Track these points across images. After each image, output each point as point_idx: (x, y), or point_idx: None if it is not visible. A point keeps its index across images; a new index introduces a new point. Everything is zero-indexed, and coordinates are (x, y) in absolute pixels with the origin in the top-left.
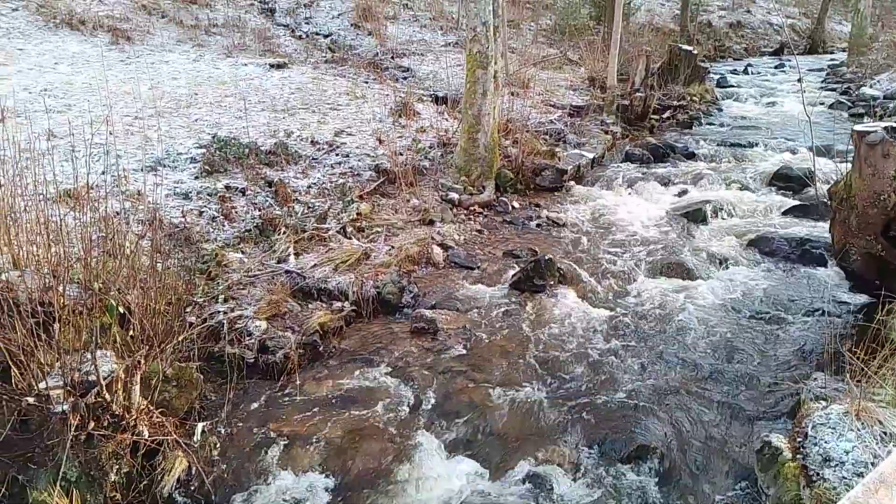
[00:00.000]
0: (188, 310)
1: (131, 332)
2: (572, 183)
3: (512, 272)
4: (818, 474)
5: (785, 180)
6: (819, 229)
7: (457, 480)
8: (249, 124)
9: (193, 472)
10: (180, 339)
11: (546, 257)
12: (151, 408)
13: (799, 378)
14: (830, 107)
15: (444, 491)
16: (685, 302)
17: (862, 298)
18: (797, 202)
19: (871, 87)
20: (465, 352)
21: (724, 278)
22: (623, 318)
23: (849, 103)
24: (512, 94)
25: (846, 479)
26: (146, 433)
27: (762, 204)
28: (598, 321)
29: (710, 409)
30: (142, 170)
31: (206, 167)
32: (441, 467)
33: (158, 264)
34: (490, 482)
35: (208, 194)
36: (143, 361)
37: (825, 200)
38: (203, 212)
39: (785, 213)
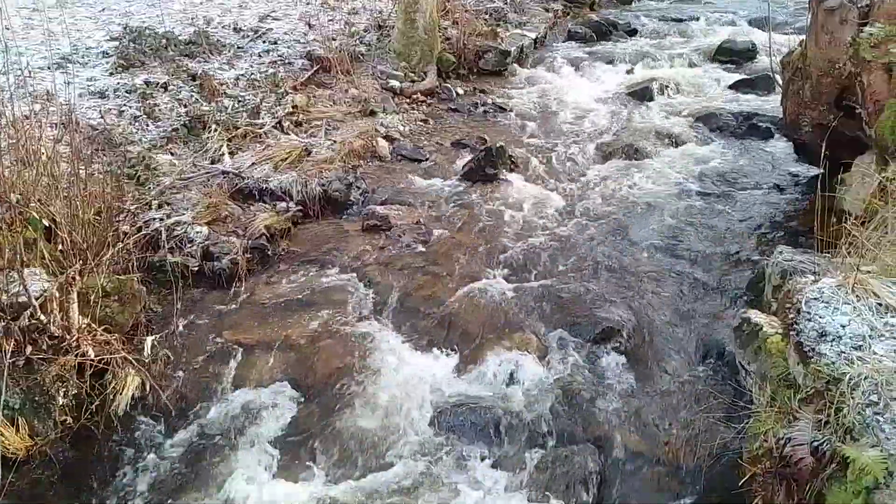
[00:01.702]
0: (120, 219)
1: (60, 247)
2: (516, 66)
3: (462, 162)
4: (814, 350)
5: (728, 54)
6: (765, 103)
7: (425, 377)
8: (164, 12)
9: (147, 388)
10: (115, 250)
11: (497, 145)
12: (94, 326)
13: (755, 256)
14: None
15: (412, 389)
16: (637, 182)
17: (811, 171)
18: (742, 76)
19: None
20: (421, 247)
21: (673, 157)
22: (577, 202)
23: None
24: None
25: (844, 353)
26: (91, 353)
27: (707, 79)
28: (553, 207)
29: (672, 288)
30: (48, 67)
31: (121, 61)
32: (407, 366)
33: (81, 170)
34: (458, 375)
35: (126, 91)
36: (77, 277)
37: (776, 72)
38: (123, 111)
39: (730, 88)
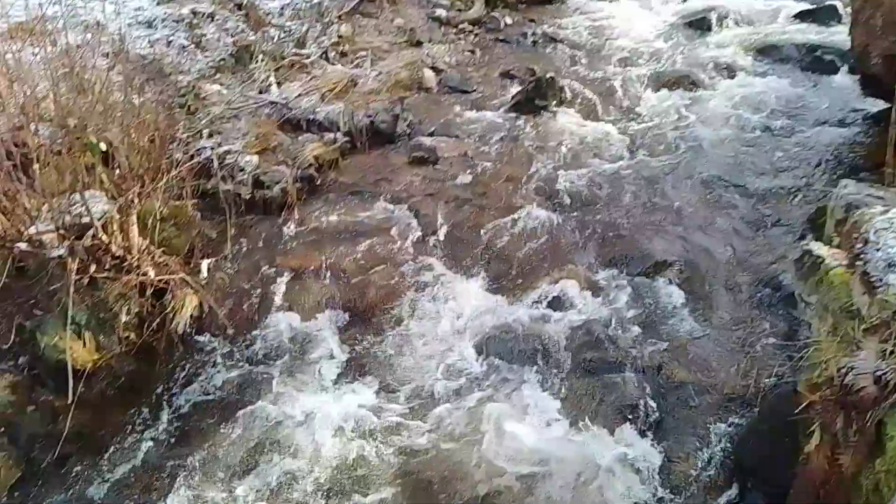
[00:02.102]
0: (172, 147)
1: (118, 171)
2: None
3: (510, 94)
4: (881, 280)
5: None
6: (829, 34)
7: (471, 304)
8: None
9: (205, 309)
10: (170, 176)
11: (547, 76)
12: (153, 248)
13: (815, 190)
14: None
15: (458, 316)
16: (693, 115)
17: (877, 106)
18: (806, 6)
19: None
20: (468, 179)
21: (731, 89)
22: (629, 134)
23: None
24: None
25: None
26: (152, 273)
27: (769, 9)
28: (605, 138)
29: (727, 223)
30: None
31: None
32: (453, 293)
33: (134, 99)
34: (505, 304)
35: (174, 21)
36: (135, 200)
37: (837, 3)
38: (171, 41)
39: (793, 18)
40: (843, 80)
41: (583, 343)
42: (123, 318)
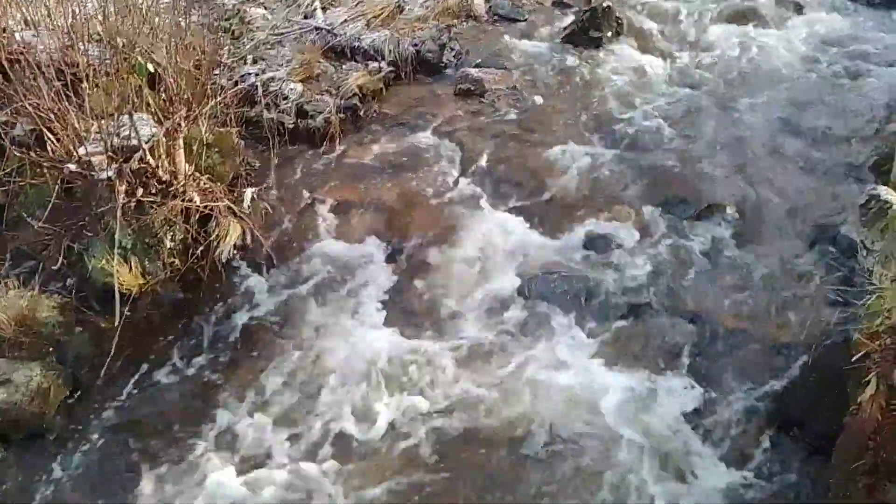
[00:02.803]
0: (217, 72)
1: (164, 95)
2: None
3: (564, 24)
4: None
5: None
6: None
7: (516, 243)
8: None
9: (248, 237)
10: (215, 102)
11: (604, 5)
12: (198, 174)
13: (880, 136)
14: None
15: (502, 254)
16: (756, 51)
17: None
18: None
19: None
20: (515, 114)
21: (799, 25)
22: (689, 70)
23: None
24: None
25: None
26: (197, 199)
27: None
28: (663, 76)
29: (786, 166)
30: None
31: None
32: (498, 231)
33: (181, 20)
34: (550, 243)
35: None
36: (182, 123)
37: None
38: None
39: None
40: None
41: (629, 286)
42: (168, 243)
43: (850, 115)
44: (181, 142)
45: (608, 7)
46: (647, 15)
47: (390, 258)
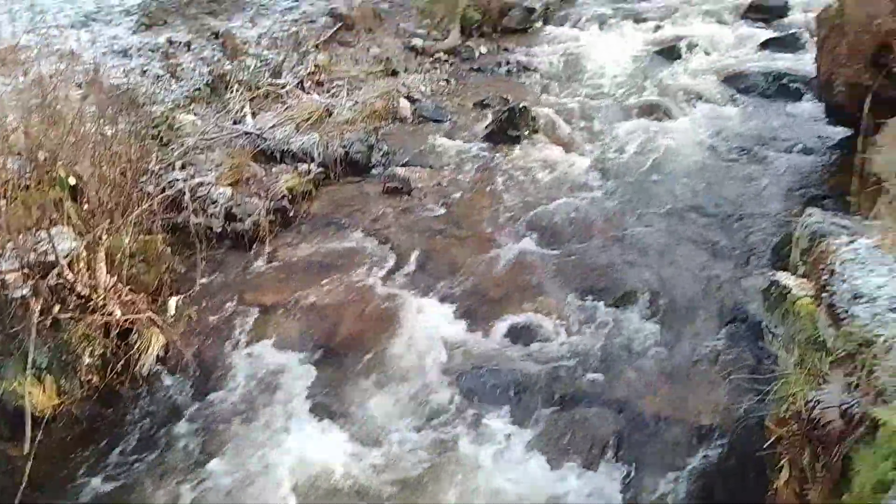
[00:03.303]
0: (144, 179)
1: (87, 206)
2: (541, 23)
3: (484, 123)
4: (847, 311)
5: (760, 11)
6: (795, 62)
7: (445, 339)
8: None
9: (172, 348)
10: (140, 210)
11: (520, 105)
12: (120, 285)
13: (782, 218)
14: None
15: (432, 351)
16: (663, 143)
17: (841, 132)
18: (773, 34)
19: None
20: (442, 210)
21: (701, 116)
22: (602, 163)
23: None
24: None
25: (878, 314)
26: (118, 312)
27: (737, 37)
28: (577, 168)
29: (697, 251)
30: (72, 26)
31: (145, 19)
32: (427, 328)
33: (107, 130)
34: (478, 337)
35: (150, 50)
36: (103, 236)
37: (804, 31)
38: (146, 70)
39: (761, 46)
40: (809, 107)
41: (555, 377)
42: (87, 360)
43: (751, 201)
44: (102, 254)
45: (524, 107)
46: (560, 113)
47: (318, 362)
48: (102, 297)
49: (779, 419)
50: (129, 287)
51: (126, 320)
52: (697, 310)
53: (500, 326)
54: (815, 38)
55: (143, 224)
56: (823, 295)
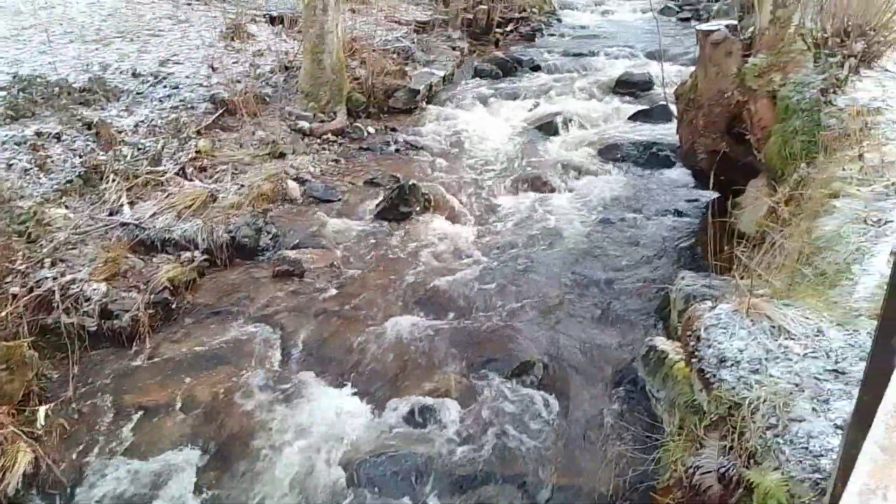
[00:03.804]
0: (8, 280)
1: None
2: (425, 103)
3: (375, 201)
4: (715, 376)
5: (627, 86)
6: (664, 132)
7: (340, 428)
8: (57, 59)
9: (42, 463)
10: (1, 315)
11: (409, 183)
12: None
13: (660, 280)
14: (661, 12)
15: (327, 442)
16: (545, 214)
17: (709, 195)
18: (641, 106)
19: None
20: (335, 291)
21: (579, 187)
22: (490, 236)
23: (677, 7)
24: (353, 10)
25: (743, 377)
26: None
27: (608, 111)
28: (466, 243)
29: (583, 317)
30: None
31: (10, 112)
32: (321, 418)
33: None
34: (375, 423)
35: (16, 143)
36: None
37: (670, 103)
38: (12, 164)
39: (630, 119)
40: (678, 173)
41: (456, 458)
42: None
43: (633, 266)
44: None
45: (413, 184)
46: (448, 189)
47: (203, 466)
48: None
49: (663, 488)
50: None
51: None
52: (588, 377)
53: (397, 409)
54: (676, 111)
55: (7, 328)
56: (692, 360)
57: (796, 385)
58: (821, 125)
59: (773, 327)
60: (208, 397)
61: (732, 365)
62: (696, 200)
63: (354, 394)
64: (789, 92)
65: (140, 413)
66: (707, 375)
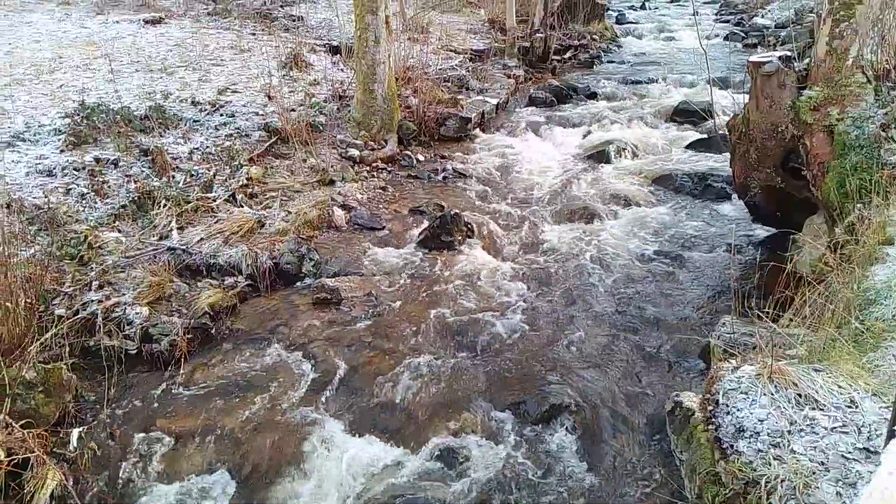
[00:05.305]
0: (56, 302)
1: None
2: (477, 131)
3: (419, 230)
4: (732, 447)
5: (685, 115)
6: (720, 162)
7: (367, 465)
8: (121, 87)
9: (71, 485)
10: (46, 337)
11: (452, 212)
12: (10, 421)
13: (709, 322)
14: (725, 38)
15: (353, 480)
16: (592, 247)
17: (765, 231)
18: (698, 136)
19: (762, 16)
20: (370, 321)
21: (629, 219)
22: (531, 269)
23: (742, 34)
24: (410, 39)
25: (762, 451)
26: (1, 454)
27: (664, 140)
28: (507, 275)
29: (622, 359)
30: None
31: (73, 138)
32: (348, 454)
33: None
34: (401, 462)
35: (75, 169)
36: None
37: (724, 133)
38: (70, 189)
39: (687, 148)
40: (734, 206)
41: (478, 501)
42: None
43: (681, 304)
44: None
45: (456, 214)
46: (493, 219)
47: (232, 494)
48: None
49: None
50: (23, 421)
51: (11, 461)
52: (620, 427)
53: (424, 449)
54: (729, 144)
55: (50, 349)
56: (710, 427)
57: (821, 463)
58: (880, 162)
59: (800, 395)
60: (238, 426)
61: (751, 436)
62: (752, 236)
63: (380, 430)
64: (847, 127)
65: (171, 438)
66: (724, 445)
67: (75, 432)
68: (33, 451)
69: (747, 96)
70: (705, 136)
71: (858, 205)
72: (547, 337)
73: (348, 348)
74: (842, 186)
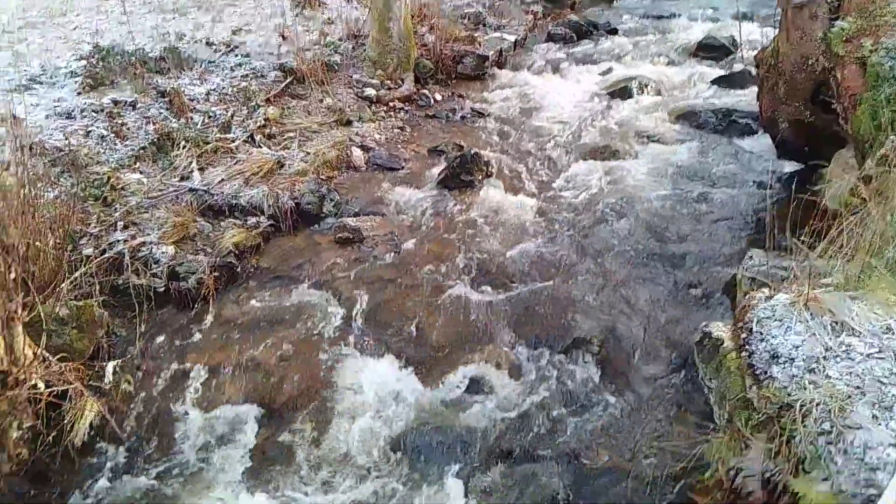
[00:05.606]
0: (83, 241)
1: (13, 276)
2: (495, 69)
3: (438, 169)
4: (765, 372)
5: (709, 50)
6: (745, 99)
7: (392, 394)
8: (135, 29)
9: (108, 416)
10: (76, 275)
11: (472, 151)
12: (47, 356)
13: (734, 257)
14: None
15: (379, 408)
16: (615, 184)
17: (791, 167)
18: (722, 72)
19: None
20: (393, 259)
21: (652, 156)
22: (553, 206)
23: None
24: None
25: (797, 376)
26: (41, 385)
27: (687, 76)
28: (529, 213)
29: (645, 294)
30: (14, 90)
31: (89, 81)
32: (374, 383)
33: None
34: (426, 392)
35: (94, 111)
36: (19, 310)
37: (751, 68)
38: (90, 131)
39: (711, 84)
40: (759, 142)
41: (503, 431)
42: (14, 434)
43: (704, 240)
44: (20, 328)
45: (476, 153)
46: (513, 157)
47: (262, 424)
48: (23, 370)
49: (703, 487)
50: (59, 356)
51: (50, 393)
52: (645, 358)
53: (449, 379)
54: (756, 78)
55: (81, 288)
56: (743, 354)
57: (857, 388)
58: None
59: (836, 323)
60: (266, 359)
61: (786, 362)
62: (777, 171)
63: (406, 362)
64: (881, 58)
65: (202, 371)
66: (757, 371)
67: (110, 366)
68: (71, 384)
69: (775, 30)
70: (730, 72)
71: (893, 136)
72: (569, 272)
73: (372, 285)
74: (874, 119)
